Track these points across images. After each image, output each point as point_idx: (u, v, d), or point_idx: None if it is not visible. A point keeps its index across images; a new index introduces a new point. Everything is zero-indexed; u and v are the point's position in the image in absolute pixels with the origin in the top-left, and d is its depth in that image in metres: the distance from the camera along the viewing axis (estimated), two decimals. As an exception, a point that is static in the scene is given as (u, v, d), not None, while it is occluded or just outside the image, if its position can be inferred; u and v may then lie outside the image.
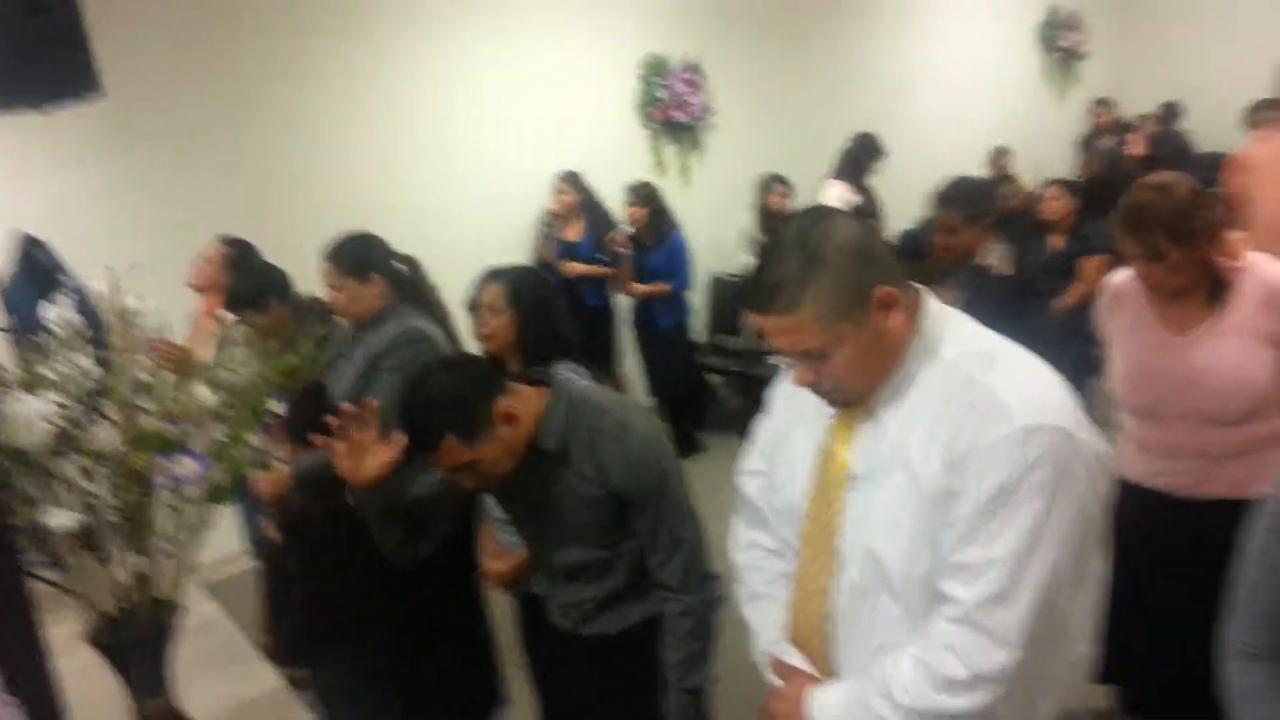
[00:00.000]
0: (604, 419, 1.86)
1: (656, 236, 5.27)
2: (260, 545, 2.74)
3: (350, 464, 1.99)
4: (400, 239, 2.98)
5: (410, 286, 2.89)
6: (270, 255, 3.45)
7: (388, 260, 2.85)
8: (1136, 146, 6.67)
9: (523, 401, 1.84)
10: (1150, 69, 8.47)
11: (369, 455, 1.98)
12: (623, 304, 5.48)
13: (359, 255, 2.78)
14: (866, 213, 5.36)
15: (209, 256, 3.71)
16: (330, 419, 1.98)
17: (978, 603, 1.22)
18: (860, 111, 6.94)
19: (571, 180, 5.30)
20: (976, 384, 1.27)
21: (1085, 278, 4.38)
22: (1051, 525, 1.21)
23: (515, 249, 5.28)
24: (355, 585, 2.54)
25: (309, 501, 2.51)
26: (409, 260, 2.94)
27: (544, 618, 2.15)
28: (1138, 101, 8.24)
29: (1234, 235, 2.21)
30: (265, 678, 2.02)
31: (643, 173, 5.81)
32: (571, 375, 2.38)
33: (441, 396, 1.74)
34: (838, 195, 5.32)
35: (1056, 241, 4.68)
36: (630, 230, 5.29)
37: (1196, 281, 2.13)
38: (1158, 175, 2.20)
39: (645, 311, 5.41)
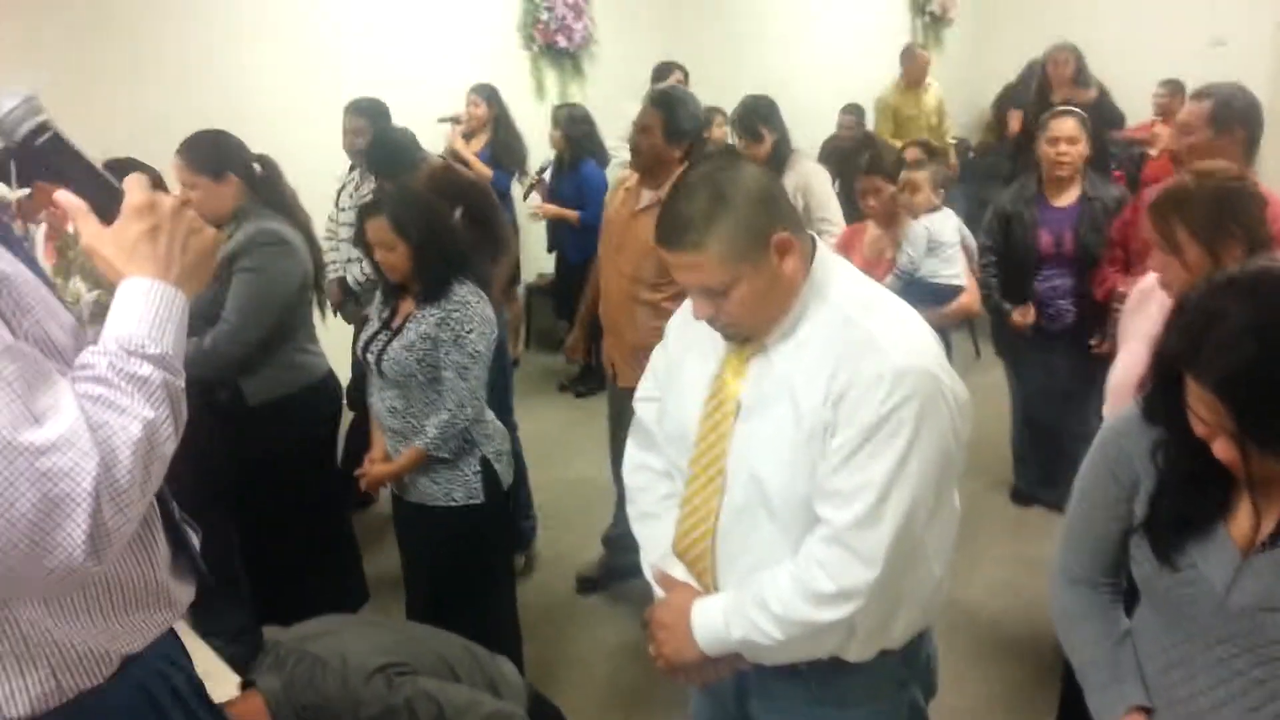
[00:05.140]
0: (307, 711, 1.82)
1: (568, 163, 5.14)
2: None
3: None
4: (265, 149, 2.93)
5: (266, 187, 2.83)
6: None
7: (243, 159, 2.78)
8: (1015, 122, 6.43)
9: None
10: (1012, 39, 8.85)
11: None
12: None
13: (214, 153, 2.71)
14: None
15: None
16: None
17: (847, 525, 1.35)
18: (736, 57, 7.02)
19: (486, 93, 5.18)
20: (856, 326, 1.39)
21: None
22: (915, 458, 1.34)
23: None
24: (214, 481, 2.54)
25: None
26: (265, 160, 2.86)
27: None
28: (995, 67, 8.62)
29: None
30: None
31: (522, 95, 5.74)
32: (471, 299, 2.45)
33: None
34: None
35: None
36: (542, 170, 5.20)
37: None
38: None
39: (555, 238, 5.33)
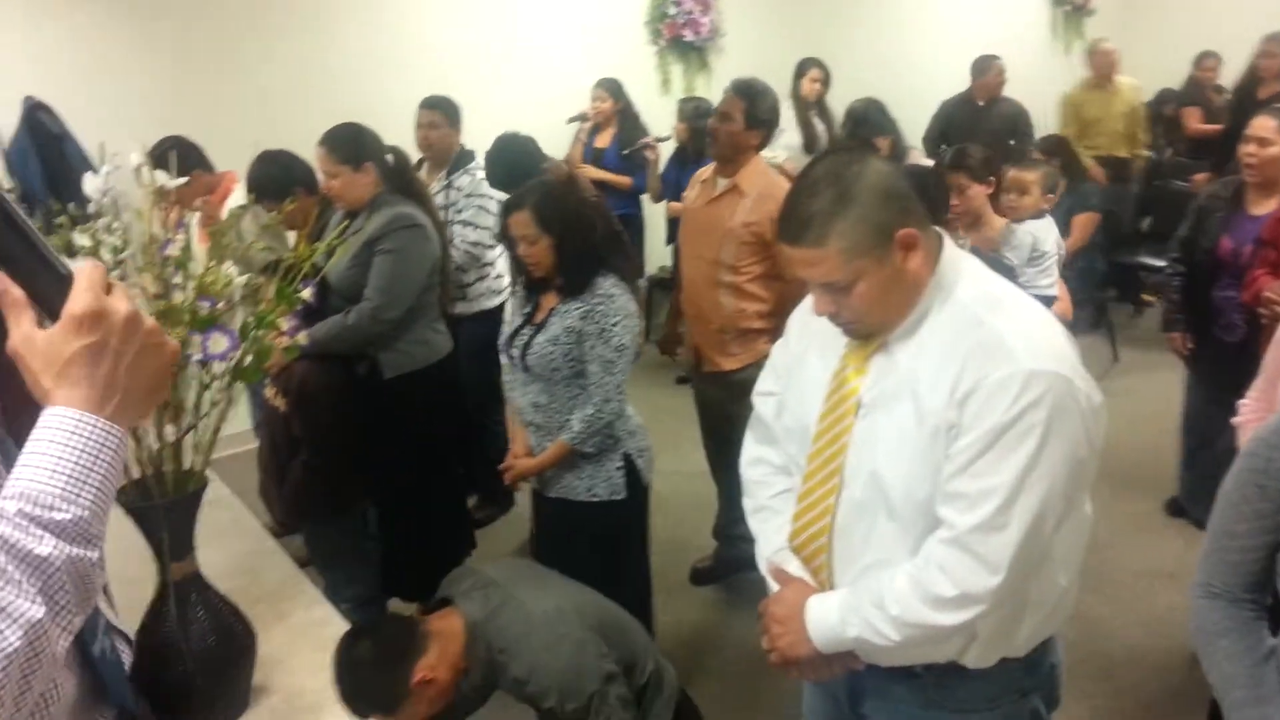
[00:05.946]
0: (503, 655, 1.88)
1: (691, 156, 5.08)
2: (264, 413, 2.88)
3: None
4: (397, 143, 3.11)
5: (398, 176, 2.99)
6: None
7: (379, 151, 2.94)
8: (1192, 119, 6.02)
9: (445, 640, 1.86)
10: (1154, 27, 8.41)
11: None
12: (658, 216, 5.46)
13: (353, 144, 2.87)
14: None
15: None
16: None
17: (971, 529, 1.32)
18: (868, 49, 6.89)
19: (611, 87, 5.21)
20: (985, 326, 1.35)
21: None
22: (1044, 463, 1.30)
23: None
24: (353, 450, 2.68)
25: (311, 370, 2.61)
26: (397, 151, 3.03)
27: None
28: (1141, 60, 8.21)
29: None
30: (275, 553, 2.11)
31: (648, 89, 5.78)
32: (615, 291, 2.45)
33: (357, 681, 1.72)
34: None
35: None
36: (661, 139, 5.16)
37: None
38: None
39: (672, 232, 5.27)
